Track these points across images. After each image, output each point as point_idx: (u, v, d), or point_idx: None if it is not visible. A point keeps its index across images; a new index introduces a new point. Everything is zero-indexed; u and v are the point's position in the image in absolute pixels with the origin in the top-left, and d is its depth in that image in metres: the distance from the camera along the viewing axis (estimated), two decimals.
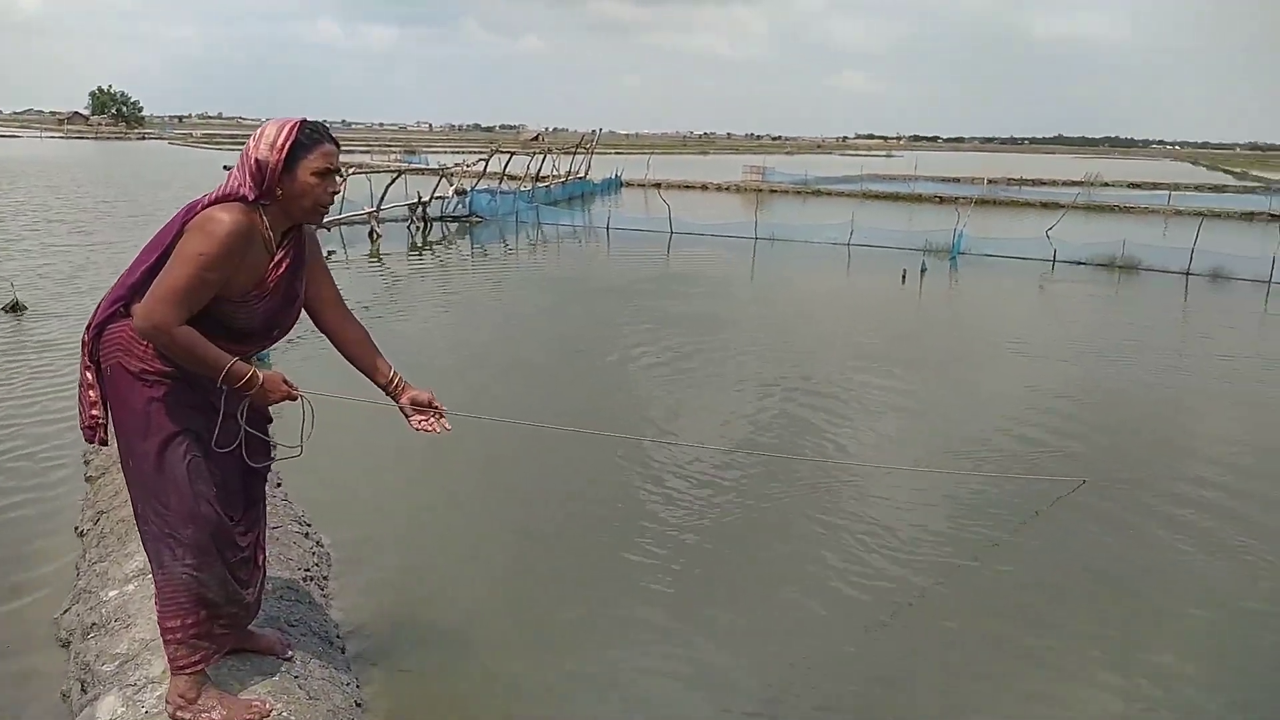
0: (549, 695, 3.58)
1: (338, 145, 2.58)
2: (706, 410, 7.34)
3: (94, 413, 2.53)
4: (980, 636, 4.13)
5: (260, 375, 2.55)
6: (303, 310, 2.78)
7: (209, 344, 2.44)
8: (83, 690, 3.12)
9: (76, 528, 4.59)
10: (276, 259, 2.57)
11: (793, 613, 4.28)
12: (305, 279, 2.70)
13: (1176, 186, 39.79)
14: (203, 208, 2.45)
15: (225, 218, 2.40)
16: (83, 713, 2.94)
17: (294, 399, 2.69)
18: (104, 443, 2.57)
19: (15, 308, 9.51)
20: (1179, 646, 4.13)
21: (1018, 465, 6.14)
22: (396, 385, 2.85)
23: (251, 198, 2.45)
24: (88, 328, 2.53)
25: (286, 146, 2.44)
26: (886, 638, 4.14)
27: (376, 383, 2.86)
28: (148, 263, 2.49)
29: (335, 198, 2.62)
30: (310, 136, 2.48)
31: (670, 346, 9.37)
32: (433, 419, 2.86)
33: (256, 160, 2.43)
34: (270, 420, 2.86)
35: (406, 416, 2.86)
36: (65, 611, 3.72)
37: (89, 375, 2.52)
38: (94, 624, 3.40)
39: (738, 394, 7.81)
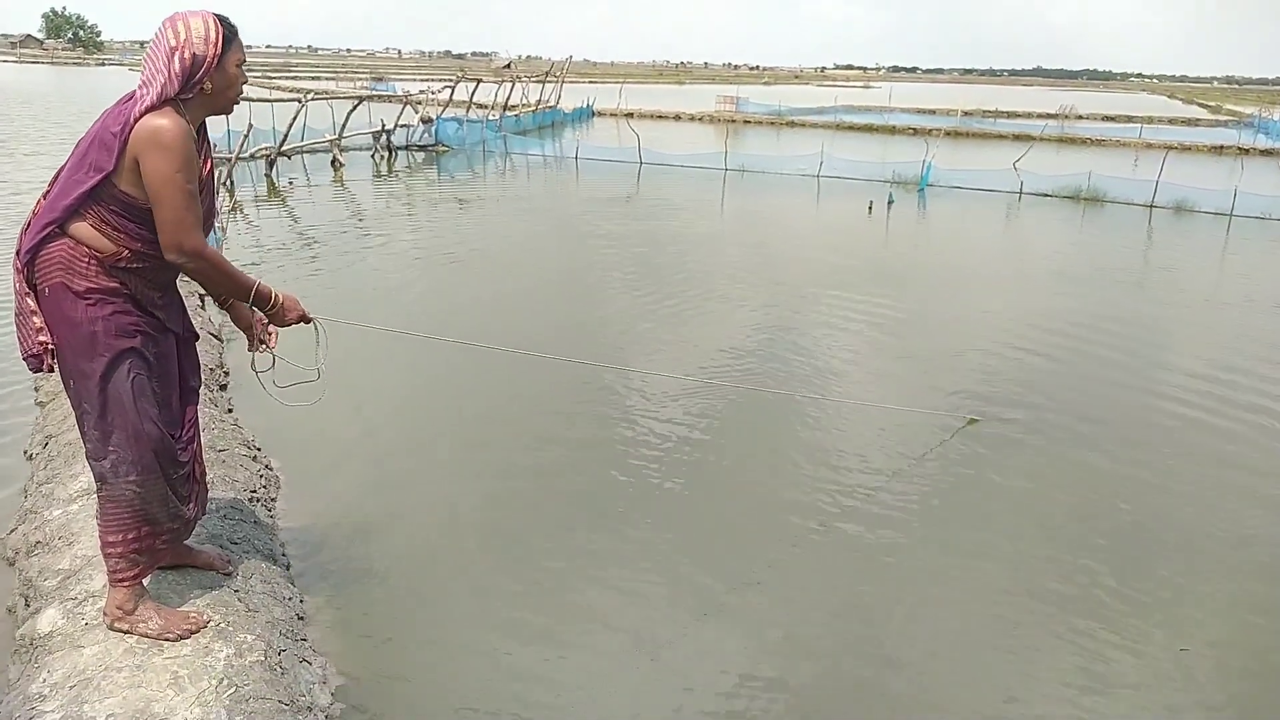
0: (492, 612, 3.68)
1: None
2: (656, 335, 7.39)
3: (42, 339, 2.51)
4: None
5: (281, 295, 2.75)
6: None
7: (234, 267, 2.63)
8: (26, 605, 3.18)
9: (25, 451, 4.61)
10: (203, 152, 2.62)
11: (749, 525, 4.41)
12: None
13: (1150, 120, 39.82)
14: (136, 118, 2.41)
15: (169, 123, 2.40)
16: (25, 625, 3.01)
17: (308, 321, 2.92)
18: (51, 369, 2.56)
19: None
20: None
21: (961, 397, 6.27)
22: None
23: (175, 94, 2.44)
24: (18, 253, 2.51)
25: (219, 39, 2.48)
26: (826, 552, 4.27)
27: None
28: (86, 184, 2.44)
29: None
30: (230, 28, 2.53)
31: (629, 277, 9.39)
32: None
33: (193, 55, 2.43)
34: (197, 338, 2.90)
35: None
36: (11, 531, 3.76)
37: (28, 302, 2.50)
38: (38, 542, 3.45)
39: (695, 320, 7.87)
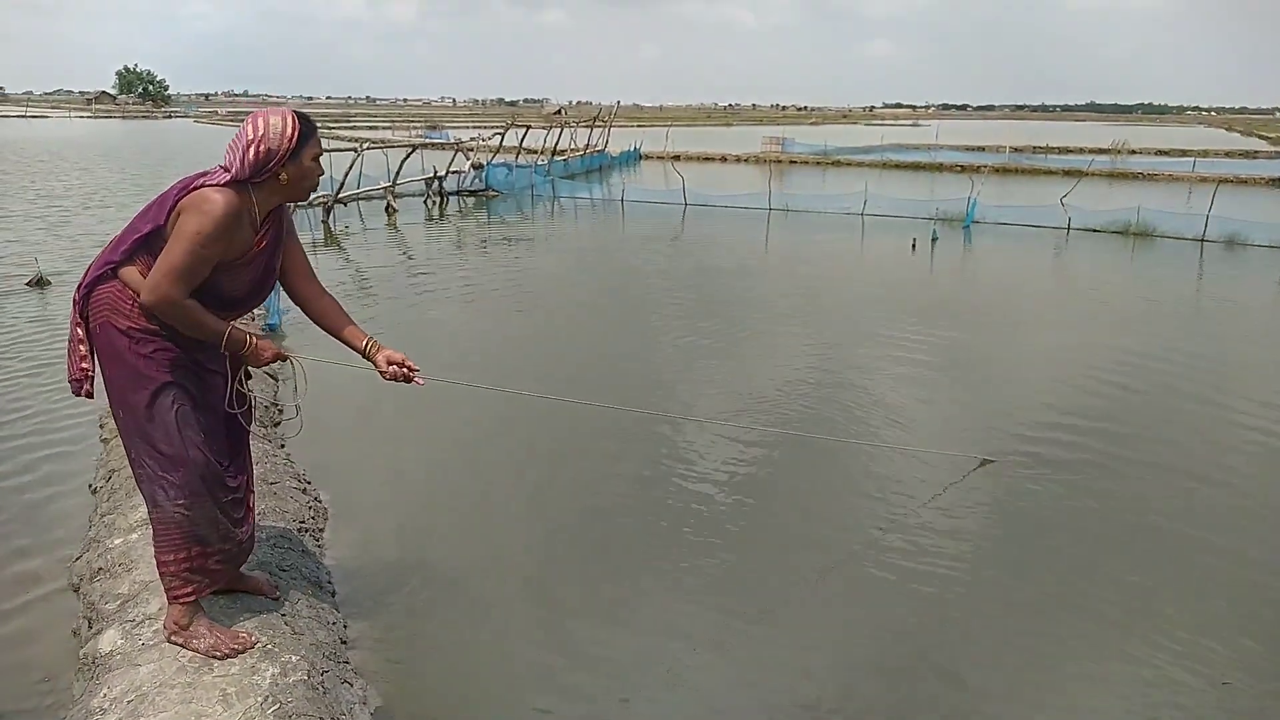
0: (529, 648, 3.78)
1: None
2: (701, 375, 7.50)
3: (83, 365, 2.76)
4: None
5: (253, 340, 2.86)
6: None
7: (209, 314, 2.74)
8: (89, 626, 3.38)
9: (90, 485, 4.87)
10: (260, 234, 2.84)
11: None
12: (282, 254, 2.98)
13: (1205, 153, 39.16)
14: (195, 187, 2.69)
15: (219, 198, 2.65)
16: (87, 645, 3.21)
17: (284, 359, 3.03)
18: (90, 395, 2.80)
19: (40, 282, 9.83)
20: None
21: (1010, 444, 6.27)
22: (370, 347, 3.09)
23: (245, 179, 2.71)
24: (79, 287, 2.77)
25: (295, 135, 2.74)
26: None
27: (354, 347, 3.10)
28: (141, 232, 2.73)
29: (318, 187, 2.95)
30: (308, 126, 2.79)
31: (669, 317, 9.55)
32: (403, 371, 3.08)
33: (268, 149, 2.70)
34: (250, 377, 3.10)
35: (380, 372, 3.08)
36: (77, 559, 3.99)
37: (79, 331, 2.76)
38: (100, 569, 3.66)
39: (736, 360, 7.97)
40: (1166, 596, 4.22)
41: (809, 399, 6.89)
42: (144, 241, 2.71)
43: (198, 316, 2.71)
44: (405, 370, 3.07)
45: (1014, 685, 3.59)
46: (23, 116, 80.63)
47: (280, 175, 2.74)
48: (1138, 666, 3.69)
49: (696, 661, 3.66)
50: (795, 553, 4.59)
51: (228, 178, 2.69)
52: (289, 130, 2.72)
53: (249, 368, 3.09)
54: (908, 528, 4.81)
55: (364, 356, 3.09)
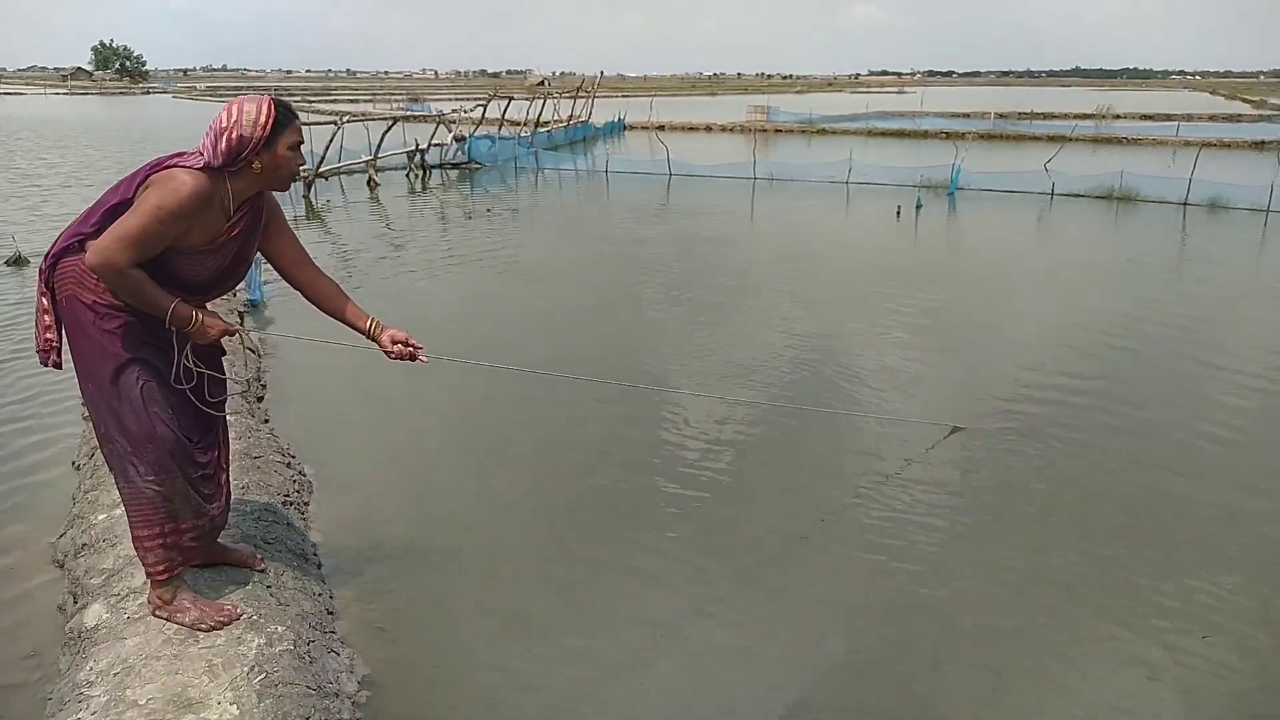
0: (518, 617, 3.81)
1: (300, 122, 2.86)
2: (670, 345, 7.53)
3: (48, 336, 2.73)
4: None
5: (199, 316, 2.77)
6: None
7: (156, 287, 2.67)
8: (74, 602, 3.39)
9: (74, 462, 4.86)
10: (232, 222, 2.80)
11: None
12: (261, 242, 2.96)
13: (1188, 117, 39.19)
14: (167, 166, 2.67)
15: (188, 179, 2.62)
16: (73, 620, 3.22)
17: (232, 334, 2.95)
18: (58, 365, 2.78)
19: (18, 261, 9.74)
20: None
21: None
22: (374, 328, 3.09)
23: (218, 165, 2.68)
24: (45, 256, 2.74)
25: (269, 124, 2.69)
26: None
27: (357, 329, 3.10)
28: (109, 204, 2.71)
29: (300, 170, 2.91)
30: (285, 114, 2.75)
31: (664, 284, 9.55)
32: (408, 350, 3.11)
33: (240, 136, 2.66)
34: (224, 353, 3.10)
35: (386, 352, 3.10)
36: (61, 536, 4.00)
37: (44, 301, 2.73)
38: (85, 544, 3.67)
39: (713, 332, 7.99)
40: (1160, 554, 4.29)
41: (790, 367, 6.92)
42: (111, 213, 2.67)
43: (142, 287, 2.63)
44: (410, 349, 3.09)
45: (989, 664, 3.65)
46: None
47: (254, 164, 2.71)
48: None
49: (681, 624, 3.70)
50: (765, 520, 4.63)
51: (201, 162, 2.66)
52: (262, 118, 2.68)
53: (220, 343, 3.06)
54: (888, 494, 4.86)
55: (368, 337, 3.08)
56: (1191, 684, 3.40)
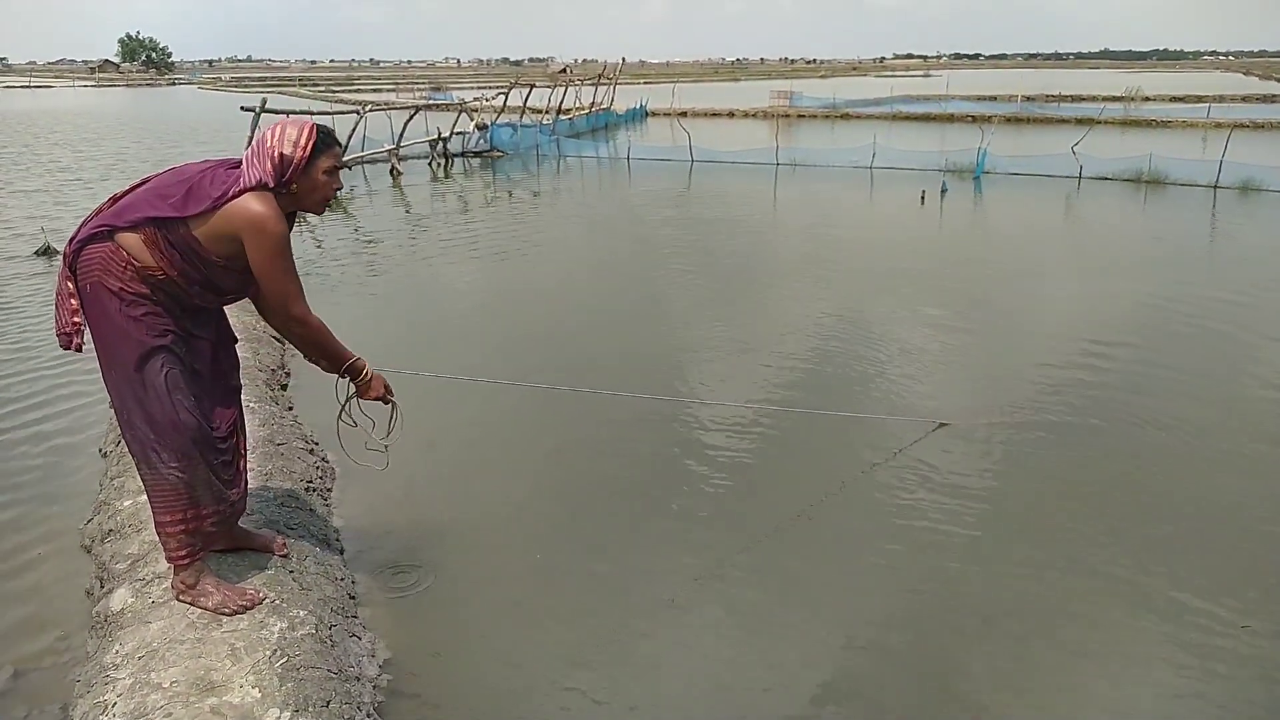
0: (539, 605, 3.82)
1: (341, 148, 2.97)
2: (709, 343, 7.50)
3: (75, 319, 2.73)
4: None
5: (370, 371, 3.13)
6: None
7: (338, 341, 3.01)
8: (101, 586, 3.44)
9: (100, 449, 4.92)
10: None
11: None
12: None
13: (1220, 99, 38.48)
14: (236, 194, 2.70)
15: (268, 210, 2.72)
16: (99, 604, 3.26)
17: (388, 402, 3.26)
18: (80, 349, 2.79)
19: (47, 251, 9.87)
20: None
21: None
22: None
23: (271, 186, 2.74)
24: (70, 241, 2.74)
25: (309, 145, 2.76)
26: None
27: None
28: (159, 214, 2.68)
29: (337, 193, 3.00)
30: (324, 139, 2.82)
31: (685, 272, 9.52)
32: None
33: (281, 155, 2.73)
34: (236, 340, 3.13)
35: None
36: (88, 522, 4.05)
37: (68, 285, 2.73)
38: (111, 530, 3.72)
39: (733, 323, 7.95)
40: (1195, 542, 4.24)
41: (812, 361, 6.87)
42: (157, 220, 2.68)
43: (327, 338, 2.94)
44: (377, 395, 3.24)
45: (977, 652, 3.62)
46: (27, 87, 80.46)
47: (292, 185, 2.78)
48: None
49: (698, 617, 3.70)
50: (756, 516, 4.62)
51: (257, 183, 2.72)
52: (303, 140, 2.76)
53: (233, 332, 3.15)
54: (910, 488, 4.83)
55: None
56: (1223, 687, 3.35)
